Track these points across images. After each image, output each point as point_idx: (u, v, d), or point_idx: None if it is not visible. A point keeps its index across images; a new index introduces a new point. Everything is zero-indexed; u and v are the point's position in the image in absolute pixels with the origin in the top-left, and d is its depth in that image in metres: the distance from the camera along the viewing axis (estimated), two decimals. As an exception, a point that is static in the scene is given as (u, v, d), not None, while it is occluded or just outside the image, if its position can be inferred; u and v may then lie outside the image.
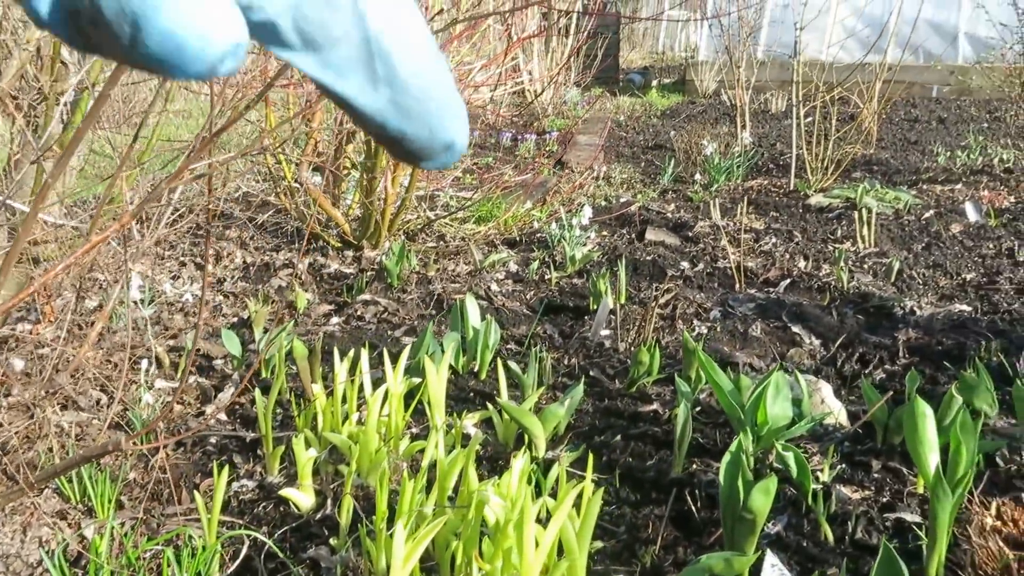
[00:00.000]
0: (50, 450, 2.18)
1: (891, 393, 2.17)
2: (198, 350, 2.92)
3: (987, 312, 3.25)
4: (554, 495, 1.85)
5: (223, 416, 2.48)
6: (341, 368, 2.21)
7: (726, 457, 1.73)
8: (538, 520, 1.62)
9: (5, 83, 1.72)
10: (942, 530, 1.63)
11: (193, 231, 4.51)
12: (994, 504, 1.87)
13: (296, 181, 4.06)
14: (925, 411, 1.80)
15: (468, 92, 4.38)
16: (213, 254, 4.15)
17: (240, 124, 4.79)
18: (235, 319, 3.33)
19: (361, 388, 2.30)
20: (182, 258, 4.08)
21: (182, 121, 6.85)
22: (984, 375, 2.28)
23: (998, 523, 1.81)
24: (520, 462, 1.65)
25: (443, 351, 2.54)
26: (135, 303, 3.28)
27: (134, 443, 1.35)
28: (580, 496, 1.67)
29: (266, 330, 3.03)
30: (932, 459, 1.78)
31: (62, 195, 2.17)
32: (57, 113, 2.59)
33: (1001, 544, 1.70)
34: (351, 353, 2.32)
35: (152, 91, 4.40)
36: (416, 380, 2.35)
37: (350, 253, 4.13)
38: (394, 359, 2.27)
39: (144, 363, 2.55)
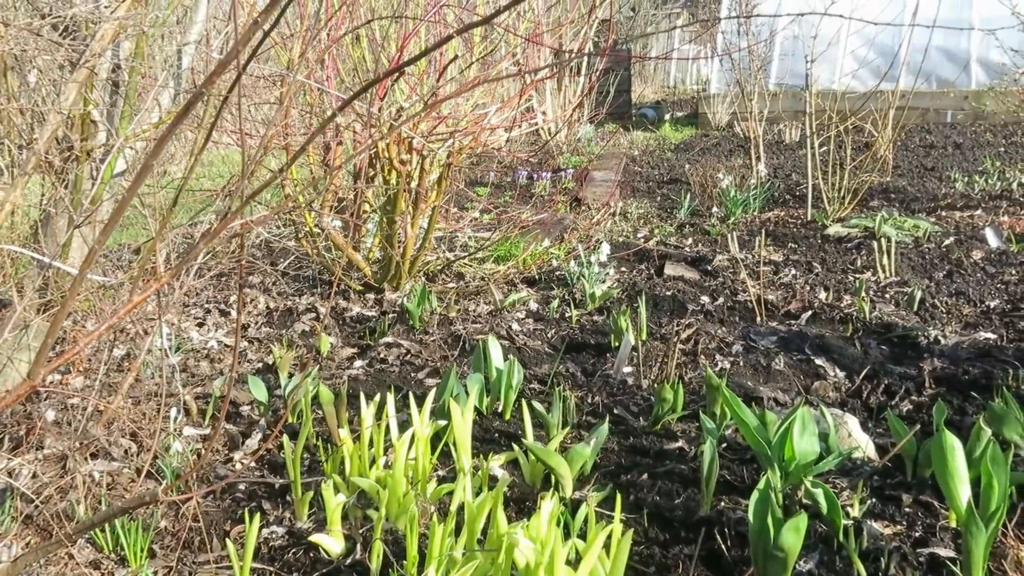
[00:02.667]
0: (80, 501, 2.21)
1: (919, 426, 2.15)
2: (222, 397, 2.96)
3: (1013, 340, 3.22)
4: (583, 536, 1.84)
5: (250, 463, 2.50)
6: (367, 412, 2.23)
7: (755, 495, 1.73)
8: (568, 562, 1.62)
9: (42, 144, 1.78)
10: (976, 566, 1.61)
11: (217, 278, 4.58)
12: (1029, 537, 1.85)
13: (317, 227, 4.12)
14: (953, 444, 1.79)
15: (485, 135, 4.44)
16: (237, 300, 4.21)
17: (260, 171, 4.89)
18: (260, 364, 3.37)
19: (387, 431, 2.32)
20: (207, 305, 4.13)
21: (204, 171, 6.98)
22: (1013, 404, 2.26)
23: (1034, 557, 1.78)
24: (549, 505, 1.66)
25: (467, 393, 2.56)
26: (164, 351, 3.33)
27: (169, 493, 1.37)
28: (608, 537, 1.67)
29: (291, 375, 3.06)
30: (963, 492, 1.77)
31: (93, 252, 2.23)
32: (87, 170, 2.67)
33: (1038, 578, 1.68)
34: (377, 397, 2.34)
35: (180, 146, 4.51)
36: (441, 423, 2.37)
37: (371, 296, 4.18)
38: (419, 402, 2.29)
39: (173, 411, 2.58)
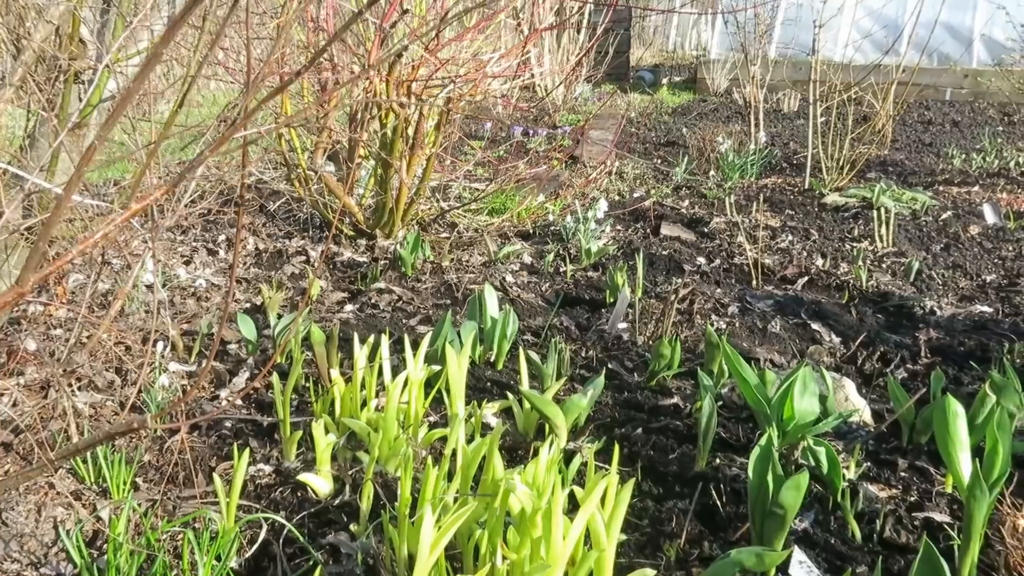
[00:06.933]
0: (63, 430, 2.15)
1: (922, 391, 2.13)
2: (211, 335, 2.89)
3: (1009, 314, 3.21)
4: (579, 486, 1.81)
5: (238, 401, 2.45)
6: (361, 354, 2.18)
7: (755, 451, 1.70)
8: (563, 513, 1.59)
9: (35, 44, 1.69)
10: (976, 530, 1.60)
11: (205, 217, 4.48)
12: (1026, 505, 1.84)
13: (311, 169, 4.03)
14: (957, 410, 1.77)
15: (485, 83, 4.34)
16: (225, 240, 4.12)
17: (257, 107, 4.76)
18: (248, 305, 3.30)
19: (379, 375, 2.27)
20: (194, 244, 4.05)
21: (191, 110, 6.83)
22: (1012, 375, 2.24)
23: (1030, 524, 1.77)
24: (547, 451, 1.62)
25: (461, 340, 2.51)
26: (147, 287, 3.25)
27: (157, 422, 1.32)
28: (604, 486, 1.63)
29: (280, 316, 3.00)
30: (964, 458, 1.75)
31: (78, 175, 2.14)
32: (74, 92, 2.56)
33: (1035, 546, 1.67)
34: (371, 339, 2.29)
35: (165, 75, 4.37)
36: (435, 368, 2.32)
37: (363, 242, 4.10)
38: (413, 347, 2.24)
39: (160, 346, 2.52)
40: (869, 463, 2.09)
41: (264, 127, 1.61)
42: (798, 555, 1.69)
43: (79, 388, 2.40)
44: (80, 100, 2.71)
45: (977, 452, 1.78)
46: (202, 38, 2.55)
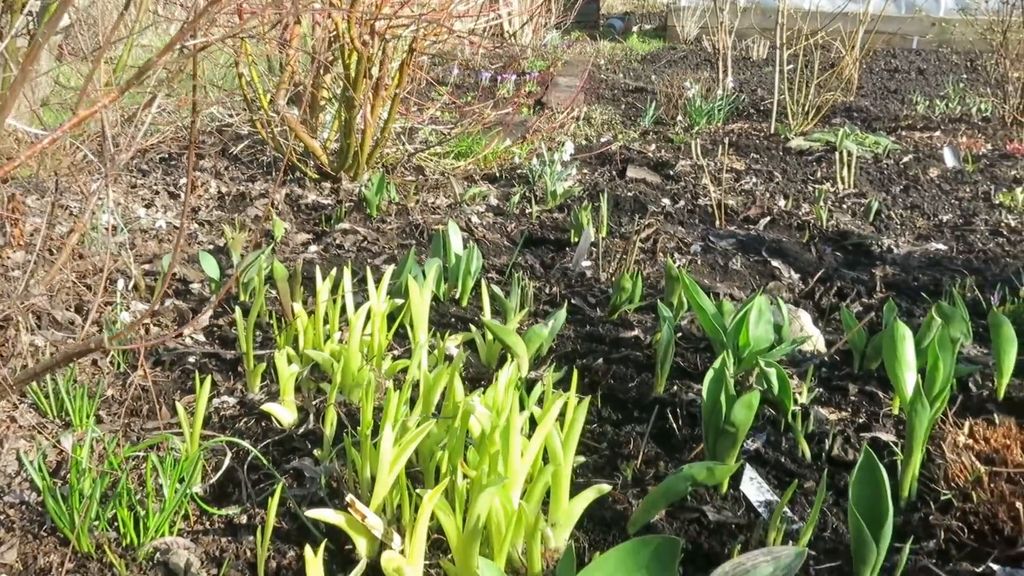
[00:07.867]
0: (24, 367, 2.14)
1: (872, 314, 2.19)
2: (175, 274, 2.87)
3: (963, 251, 3.29)
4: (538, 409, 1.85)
5: (201, 337, 2.45)
6: (324, 286, 2.18)
7: (709, 374, 1.75)
8: (522, 434, 1.62)
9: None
10: (918, 443, 1.66)
11: (166, 161, 4.41)
12: (967, 424, 1.92)
13: (274, 111, 3.97)
14: (905, 334, 1.83)
15: (450, 22, 4.27)
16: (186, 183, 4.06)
17: (215, 51, 4.66)
18: (211, 247, 3.27)
19: (343, 310, 2.28)
20: (155, 187, 3.99)
21: (149, 55, 6.67)
22: (960, 305, 2.31)
23: (970, 441, 1.85)
24: (507, 372, 1.65)
25: (424, 276, 2.52)
26: (105, 229, 3.21)
27: (115, 344, 1.32)
28: (563, 414, 1.67)
29: (243, 256, 2.99)
30: (909, 378, 1.81)
31: (32, 103, 2.10)
32: (21, 22, 2.49)
33: (973, 459, 1.74)
34: (333, 273, 2.29)
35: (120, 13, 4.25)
36: (398, 301, 2.34)
37: (327, 184, 4.07)
38: (377, 283, 2.25)
39: (120, 282, 2.51)
40: (821, 389, 2.15)
41: (217, 36, 1.58)
42: (749, 472, 1.75)
43: (39, 327, 2.38)
44: (29, 32, 2.64)
45: (923, 374, 1.85)
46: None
